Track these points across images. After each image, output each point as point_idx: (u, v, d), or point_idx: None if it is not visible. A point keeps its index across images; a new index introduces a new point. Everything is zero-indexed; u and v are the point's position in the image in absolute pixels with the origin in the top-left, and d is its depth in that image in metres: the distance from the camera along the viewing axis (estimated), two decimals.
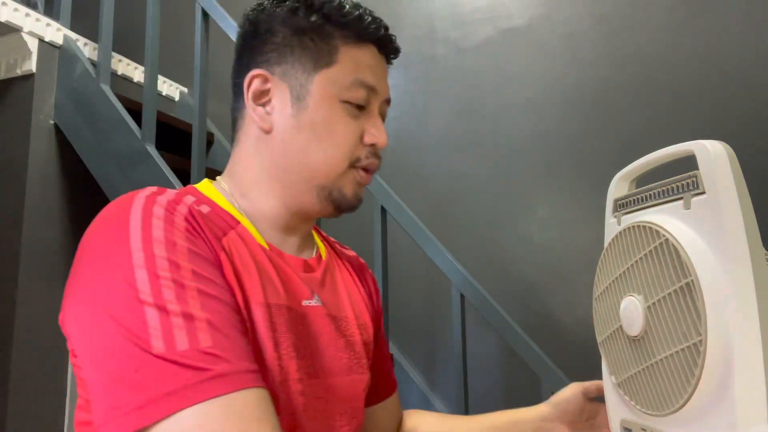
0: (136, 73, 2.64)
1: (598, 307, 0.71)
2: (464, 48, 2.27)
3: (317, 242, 0.76)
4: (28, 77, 2.12)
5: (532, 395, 1.44)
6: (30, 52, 2.10)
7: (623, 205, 0.69)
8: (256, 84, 0.66)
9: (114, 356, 0.46)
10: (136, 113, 2.08)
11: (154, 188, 0.57)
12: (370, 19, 0.66)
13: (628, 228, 0.64)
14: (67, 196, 2.21)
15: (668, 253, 0.57)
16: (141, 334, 0.46)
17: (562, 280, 2.02)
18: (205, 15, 1.97)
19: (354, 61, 0.65)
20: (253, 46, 0.67)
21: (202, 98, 1.94)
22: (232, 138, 0.71)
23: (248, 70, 0.66)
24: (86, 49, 2.29)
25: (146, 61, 2.05)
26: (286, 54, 0.65)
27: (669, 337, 0.56)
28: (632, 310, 0.61)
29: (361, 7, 0.67)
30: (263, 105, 0.66)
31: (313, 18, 0.65)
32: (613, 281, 0.66)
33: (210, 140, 2.70)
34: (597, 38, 2.06)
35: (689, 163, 0.56)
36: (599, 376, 0.74)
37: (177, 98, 2.83)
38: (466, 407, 1.65)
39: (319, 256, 0.73)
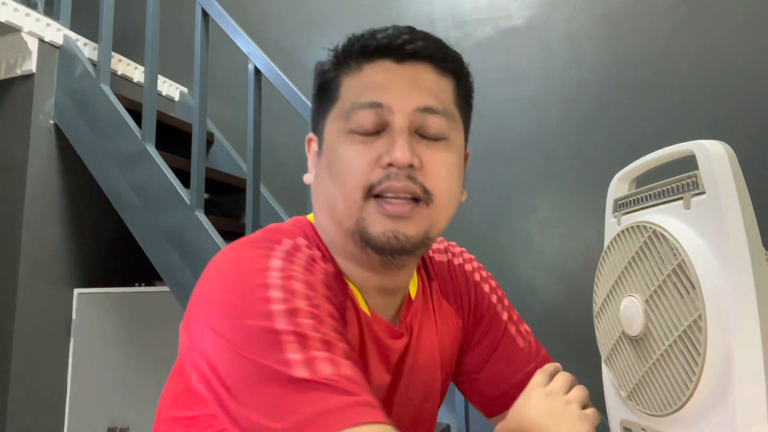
0: (136, 73, 2.64)
1: (598, 308, 0.71)
2: (464, 48, 2.27)
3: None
4: (28, 77, 2.12)
5: None
6: (30, 52, 2.10)
7: (623, 205, 0.69)
8: (312, 146, 0.65)
9: (259, 381, 0.46)
10: (136, 113, 2.08)
11: (288, 244, 0.58)
12: (368, 34, 0.60)
13: (628, 228, 0.64)
14: (67, 196, 2.21)
15: (668, 253, 0.57)
16: (283, 359, 0.46)
17: (562, 280, 2.02)
18: (205, 15, 1.97)
19: (354, 86, 0.60)
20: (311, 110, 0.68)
21: (202, 98, 1.94)
22: None
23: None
24: (86, 49, 2.29)
25: (146, 61, 2.05)
26: (316, 111, 0.64)
27: (669, 337, 0.56)
28: (632, 310, 0.61)
29: (375, 30, 0.61)
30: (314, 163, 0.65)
31: (327, 68, 0.63)
32: (614, 282, 0.66)
33: (210, 140, 2.70)
34: (597, 38, 2.06)
35: (689, 163, 0.56)
36: (599, 376, 0.74)
37: (177, 98, 2.83)
38: (465, 407, 1.66)
39: (408, 303, 0.69)
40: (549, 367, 0.66)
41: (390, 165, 0.56)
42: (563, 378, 0.64)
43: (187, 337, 0.54)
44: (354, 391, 0.46)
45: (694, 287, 0.53)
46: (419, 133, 0.58)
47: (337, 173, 0.58)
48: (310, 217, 0.67)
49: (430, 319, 0.71)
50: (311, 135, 0.65)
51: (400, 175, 0.56)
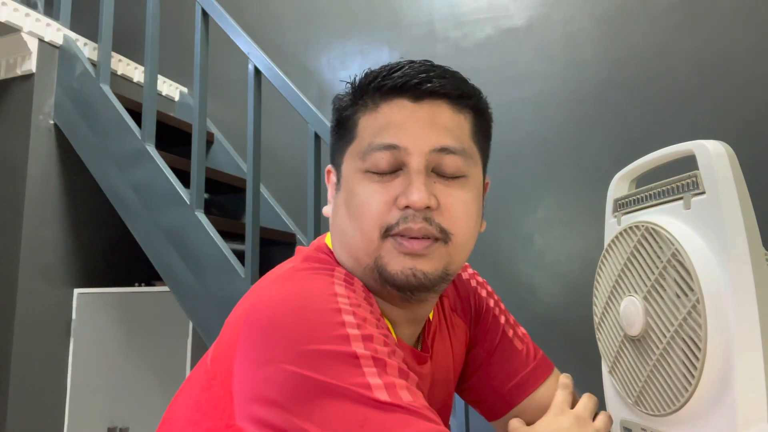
0: (136, 73, 2.64)
1: (598, 308, 0.71)
2: (464, 48, 2.27)
3: None
4: (28, 77, 2.12)
5: None
6: (30, 52, 2.10)
7: (623, 205, 0.69)
8: (331, 178, 0.66)
9: (340, 404, 0.45)
10: (136, 113, 2.08)
11: (341, 271, 0.58)
12: (386, 72, 0.59)
13: (628, 228, 0.64)
14: (67, 196, 2.21)
15: (668, 253, 0.57)
16: (364, 383, 0.46)
17: (562, 281, 2.02)
18: (205, 15, 1.97)
19: (371, 125, 0.59)
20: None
21: (202, 98, 1.94)
22: None
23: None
24: (86, 49, 2.29)
25: (146, 61, 2.05)
26: (334, 143, 0.65)
27: (669, 337, 0.56)
28: (632, 310, 0.61)
29: (398, 64, 0.60)
30: (332, 195, 0.66)
31: (345, 100, 0.63)
32: (614, 282, 0.66)
33: (210, 140, 2.70)
34: (597, 38, 2.06)
35: (689, 163, 0.56)
36: (599, 376, 0.74)
37: (177, 98, 2.83)
38: (465, 408, 1.65)
39: (428, 325, 0.70)
40: (566, 380, 0.70)
41: (407, 207, 0.56)
42: (591, 401, 0.67)
43: (238, 390, 0.51)
44: (435, 420, 0.46)
45: (693, 287, 0.53)
46: (436, 171, 0.58)
47: (354, 212, 0.58)
48: (328, 241, 0.67)
49: (446, 336, 0.73)
50: (330, 167, 0.66)
51: (416, 217, 0.56)
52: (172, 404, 0.62)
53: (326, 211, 0.66)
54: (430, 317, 0.70)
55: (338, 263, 0.62)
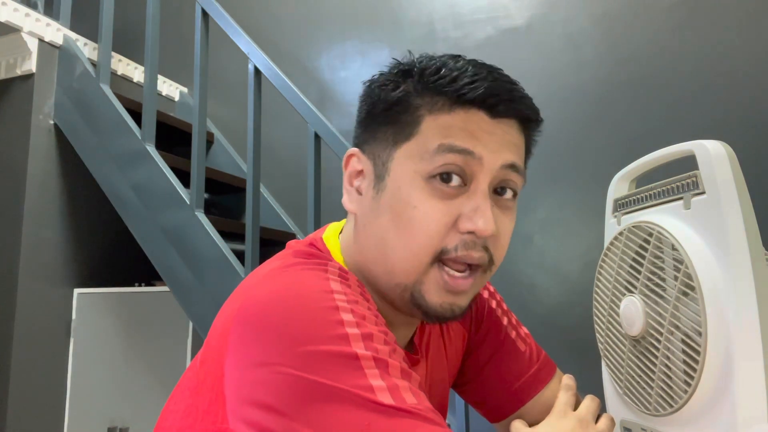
0: (136, 73, 2.64)
1: (598, 308, 0.71)
2: (464, 48, 2.27)
3: None
4: (28, 77, 2.12)
5: None
6: (30, 52, 2.11)
7: (623, 205, 0.69)
8: (353, 163, 0.60)
9: (342, 408, 0.44)
10: (136, 113, 2.08)
11: (335, 265, 0.55)
12: (468, 79, 0.55)
13: (628, 228, 0.64)
14: (67, 196, 2.21)
15: (668, 253, 0.57)
16: (365, 385, 0.44)
17: (562, 281, 2.02)
18: (205, 15, 1.97)
19: (440, 126, 0.54)
20: (358, 122, 0.62)
21: (202, 98, 1.94)
22: None
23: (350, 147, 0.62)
24: (86, 49, 2.29)
25: (146, 61, 2.05)
26: (375, 131, 0.58)
27: (669, 337, 0.56)
28: (632, 310, 0.61)
29: (471, 65, 0.57)
30: (359, 186, 0.60)
31: (402, 88, 0.57)
32: (614, 282, 0.66)
33: (210, 140, 2.70)
34: (597, 38, 2.06)
35: (689, 163, 0.56)
36: (599, 376, 0.74)
37: (177, 98, 2.83)
38: (465, 408, 1.65)
39: (422, 327, 0.68)
40: (569, 381, 0.69)
41: (470, 232, 0.53)
42: (593, 404, 0.66)
43: (231, 393, 0.49)
44: (440, 423, 0.45)
45: (693, 287, 0.53)
46: (496, 191, 0.56)
47: (407, 225, 0.53)
48: (330, 239, 0.64)
49: (438, 339, 0.72)
50: (356, 152, 0.60)
51: (477, 245, 0.53)
52: (164, 411, 0.60)
53: (350, 205, 0.60)
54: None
55: (332, 258, 0.60)
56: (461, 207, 0.53)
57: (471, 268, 0.55)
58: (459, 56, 0.58)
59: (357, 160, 0.60)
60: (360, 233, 0.59)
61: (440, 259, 0.53)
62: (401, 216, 0.54)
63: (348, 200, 0.60)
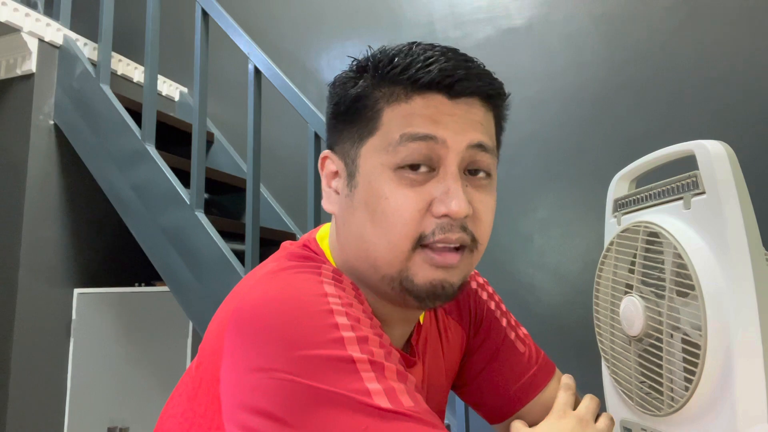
0: (136, 73, 2.64)
1: (599, 308, 0.71)
2: (464, 48, 2.26)
3: None
4: (28, 77, 2.12)
5: None
6: (30, 52, 2.11)
7: (623, 205, 0.69)
8: (328, 165, 0.60)
9: (338, 412, 0.43)
10: (136, 113, 2.08)
11: (329, 268, 0.55)
12: (420, 64, 0.54)
13: (628, 228, 0.64)
14: (67, 196, 2.21)
15: (668, 253, 0.57)
16: (362, 389, 0.44)
17: (562, 280, 2.02)
18: (205, 15, 1.97)
19: (400, 116, 0.54)
20: (326, 124, 0.62)
21: (202, 98, 1.94)
22: None
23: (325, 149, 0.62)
24: (86, 49, 2.29)
25: (146, 61, 2.05)
26: (342, 130, 0.59)
27: (669, 337, 0.56)
28: (632, 310, 0.61)
29: (424, 50, 0.56)
30: (336, 186, 0.60)
31: (359, 84, 0.57)
32: (613, 283, 0.66)
33: (210, 140, 2.70)
34: (597, 38, 2.06)
35: (689, 163, 0.56)
36: (599, 376, 0.74)
37: (177, 98, 2.83)
38: (465, 408, 1.65)
39: (419, 328, 0.68)
40: (569, 381, 0.69)
41: (444, 215, 0.53)
42: (593, 403, 0.65)
43: (227, 398, 0.48)
44: (437, 425, 0.45)
45: (693, 287, 0.53)
46: (467, 170, 0.56)
47: (381, 218, 0.53)
48: (323, 239, 0.64)
49: (436, 340, 0.71)
50: (328, 153, 0.60)
51: (454, 227, 0.53)
52: (162, 414, 0.60)
53: (329, 206, 0.60)
54: (421, 320, 0.69)
55: (326, 260, 0.60)
56: (433, 191, 0.53)
57: (456, 250, 0.54)
58: (415, 42, 0.57)
59: (330, 162, 0.60)
60: (341, 233, 0.59)
61: (420, 245, 0.53)
62: (375, 209, 0.54)
63: (327, 202, 0.60)
